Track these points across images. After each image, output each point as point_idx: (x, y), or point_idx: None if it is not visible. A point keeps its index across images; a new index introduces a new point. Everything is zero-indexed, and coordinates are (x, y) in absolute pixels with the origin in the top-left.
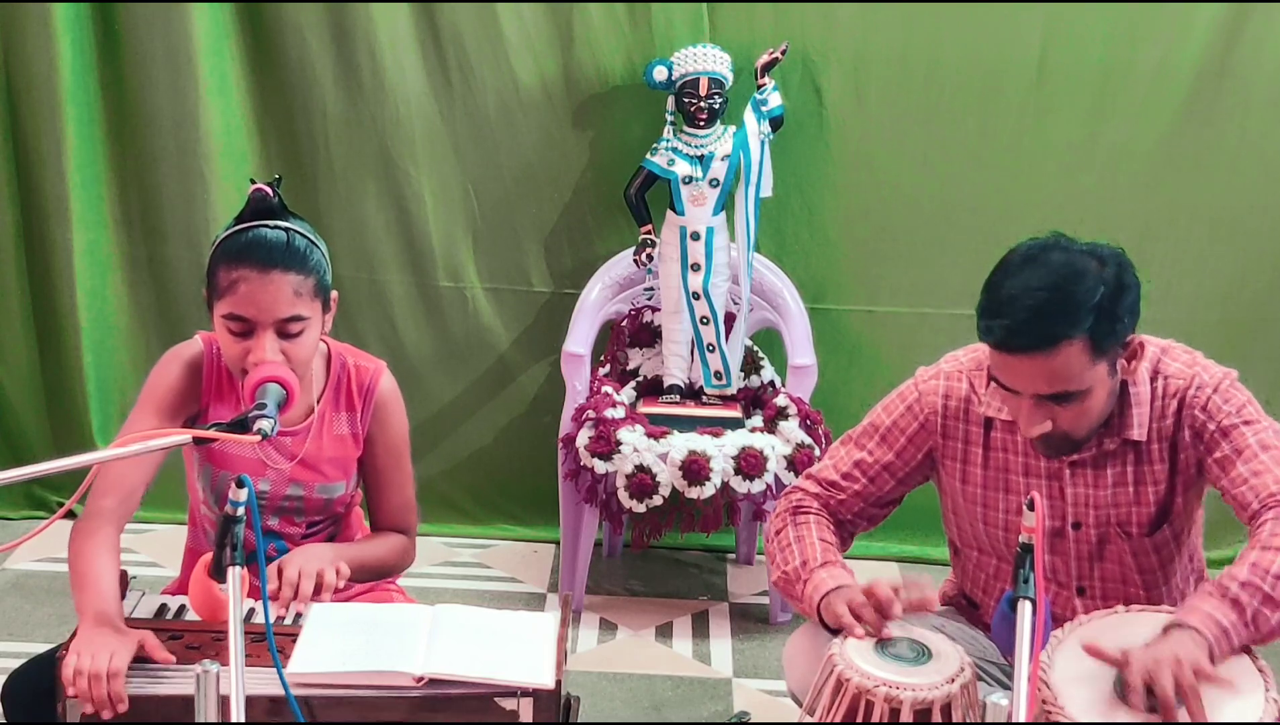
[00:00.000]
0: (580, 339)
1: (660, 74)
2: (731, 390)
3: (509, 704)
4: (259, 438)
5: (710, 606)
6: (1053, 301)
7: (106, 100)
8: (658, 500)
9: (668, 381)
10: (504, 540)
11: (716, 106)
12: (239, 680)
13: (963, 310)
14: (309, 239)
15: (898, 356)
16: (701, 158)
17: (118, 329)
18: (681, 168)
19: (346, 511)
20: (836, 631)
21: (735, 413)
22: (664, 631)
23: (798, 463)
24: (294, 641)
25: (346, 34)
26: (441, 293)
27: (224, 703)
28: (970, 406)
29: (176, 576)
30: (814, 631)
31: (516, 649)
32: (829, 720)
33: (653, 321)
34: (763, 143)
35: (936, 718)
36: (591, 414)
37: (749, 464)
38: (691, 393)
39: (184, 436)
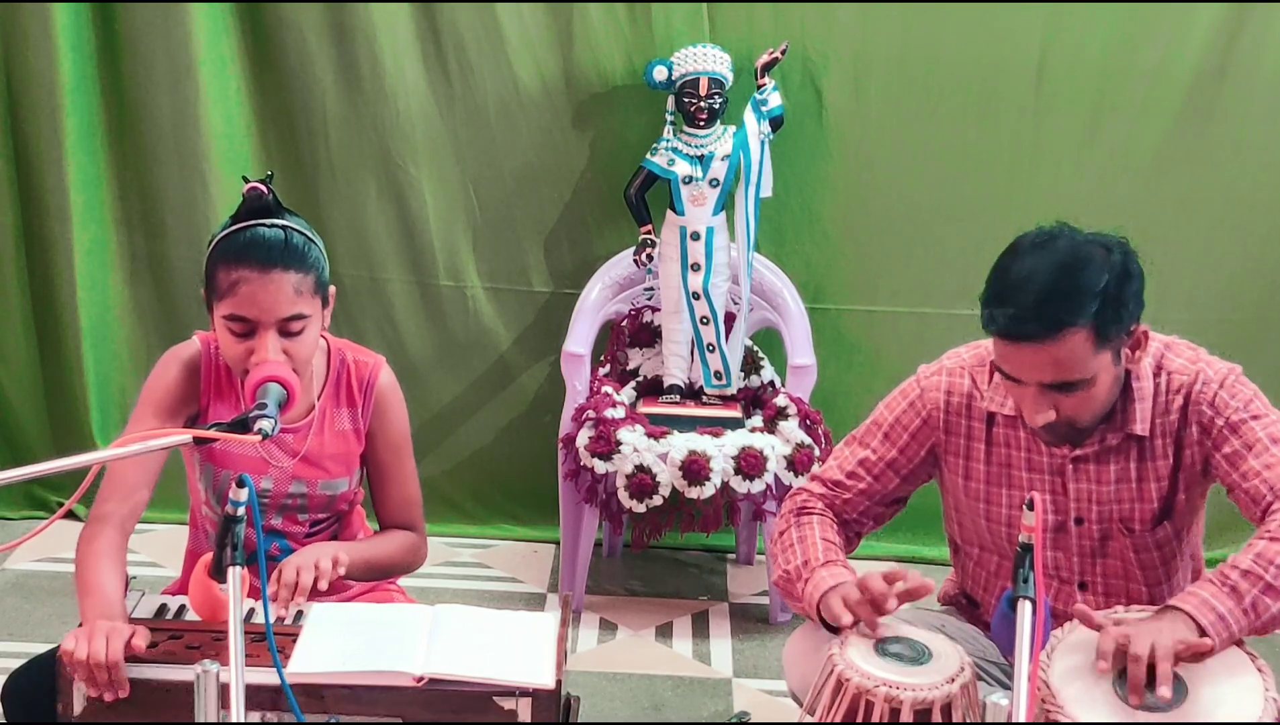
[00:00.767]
0: (580, 339)
1: (660, 74)
2: (731, 390)
3: (508, 704)
4: (260, 438)
5: (710, 606)
6: (1058, 289)
7: (106, 100)
8: (658, 500)
9: (668, 381)
10: (504, 540)
11: (716, 106)
12: (239, 680)
13: (962, 310)
14: (306, 236)
15: (897, 356)
16: (701, 158)
17: (118, 329)
18: (681, 168)
19: (349, 509)
20: (837, 631)
21: (735, 413)
22: (664, 631)
23: (798, 463)
24: (294, 641)
25: (346, 34)
26: (441, 292)
27: (223, 699)
28: (973, 402)
29: (177, 577)
30: (814, 631)
31: (516, 649)
32: (829, 720)
33: (653, 321)
34: (763, 143)
35: (936, 718)
36: (591, 414)
37: (749, 464)
38: (691, 393)
39: (184, 436)
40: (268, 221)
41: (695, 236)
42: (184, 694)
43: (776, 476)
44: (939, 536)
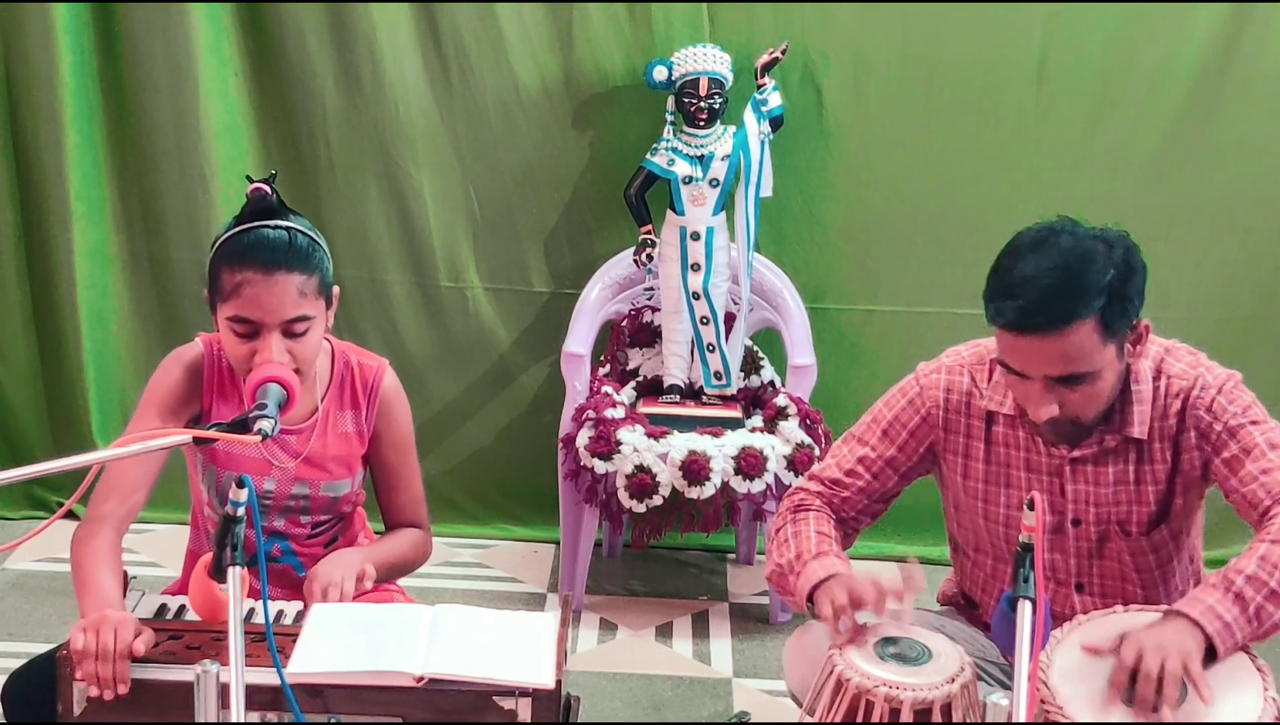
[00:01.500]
0: (580, 339)
1: (660, 74)
2: (731, 390)
3: (508, 704)
4: (259, 438)
5: (710, 606)
6: (1065, 281)
7: (106, 100)
8: (658, 500)
9: (668, 381)
10: (504, 540)
11: (716, 106)
12: (239, 680)
13: (962, 310)
14: (310, 237)
15: (897, 356)
16: (701, 158)
17: (118, 329)
18: (681, 168)
19: (351, 511)
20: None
21: (735, 413)
22: (664, 631)
23: (798, 463)
24: (294, 641)
25: (346, 34)
26: (442, 293)
27: (223, 699)
28: (972, 400)
29: (177, 577)
30: (814, 631)
31: (516, 649)
32: (829, 720)
33: (653, 321)
34: (763, 143)
35: (936, 718)
36: (591, 414)
37: (749, 464)
38: (691, 393)
39: (184, 436)
40: (272, 223)
41: (695, 236)
42: (184, 695)
43: (776, 476)
44: (939, 536)
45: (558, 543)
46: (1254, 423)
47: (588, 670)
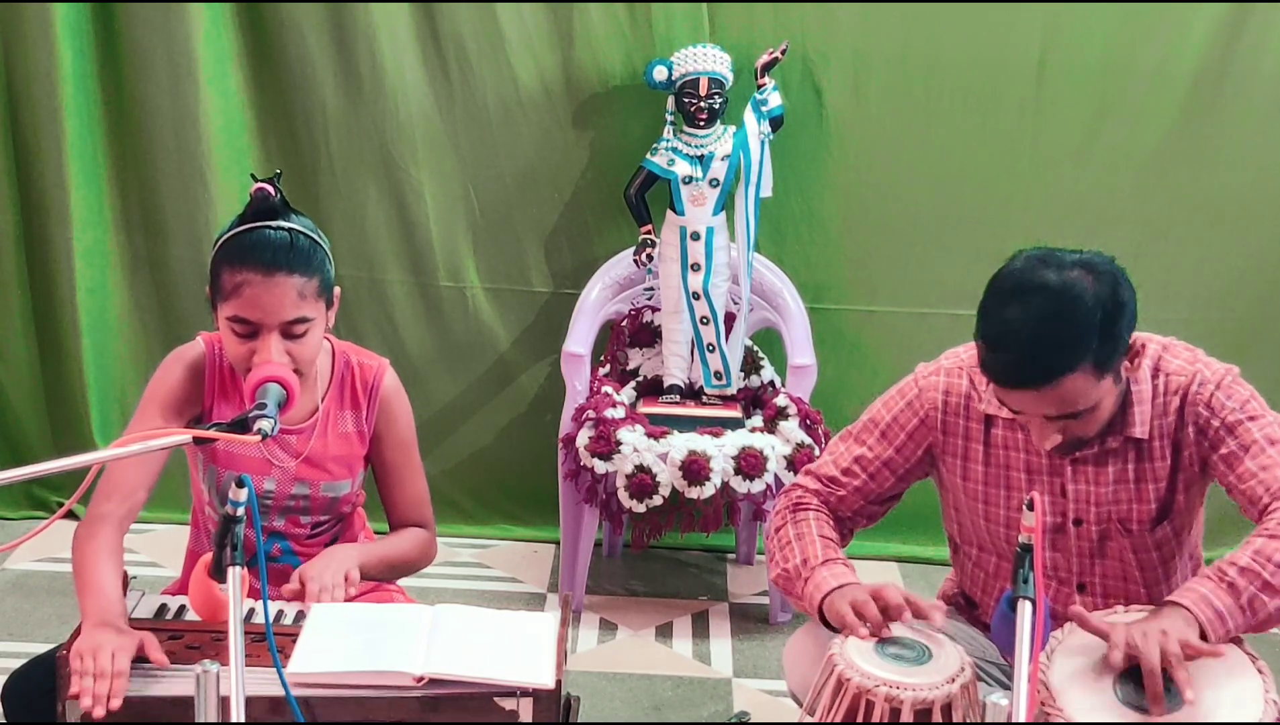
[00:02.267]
0: (580, 339)
1: (660, 74)
2: (731, 390)
3: (509, 704)
4: (259, 438)
5: (710, 606)
6: (1051, 334)
7: (106, 100)
8: (658, 500)
9: (668, 381)
10: (504, 540)
11: (716, 106)
12: (239, 680)
13: (962, 310)
14: (312, 238)
15: (897, 356)
16: (701, 158)
17: (118, 329)
18: (681, 168)
19: (351, 511)
20: (837, 630)
21: (735, 413)
22: (664, 631)
23: (798, 463)
24: (294, 641)
25: (346, 34)
26: (441, 293)
27: (224, 703)
28: (971, 403)
29: (177, 577)
30: (814, 631)
31: (516, 649)
32: (829, 720)
33: (653, 321)
34: (763, 143)
35: (937, 718)
36: (591, 414)
37: (749, 464)
38: (691, 393)
39: (184, 436)
40: (274, 223)
41: (695, 236)
42: (182, 710)
43: (776, 476)
44: (939, 536)
45: (558, 543)
46: (1252, 418)
47: (588, 670)
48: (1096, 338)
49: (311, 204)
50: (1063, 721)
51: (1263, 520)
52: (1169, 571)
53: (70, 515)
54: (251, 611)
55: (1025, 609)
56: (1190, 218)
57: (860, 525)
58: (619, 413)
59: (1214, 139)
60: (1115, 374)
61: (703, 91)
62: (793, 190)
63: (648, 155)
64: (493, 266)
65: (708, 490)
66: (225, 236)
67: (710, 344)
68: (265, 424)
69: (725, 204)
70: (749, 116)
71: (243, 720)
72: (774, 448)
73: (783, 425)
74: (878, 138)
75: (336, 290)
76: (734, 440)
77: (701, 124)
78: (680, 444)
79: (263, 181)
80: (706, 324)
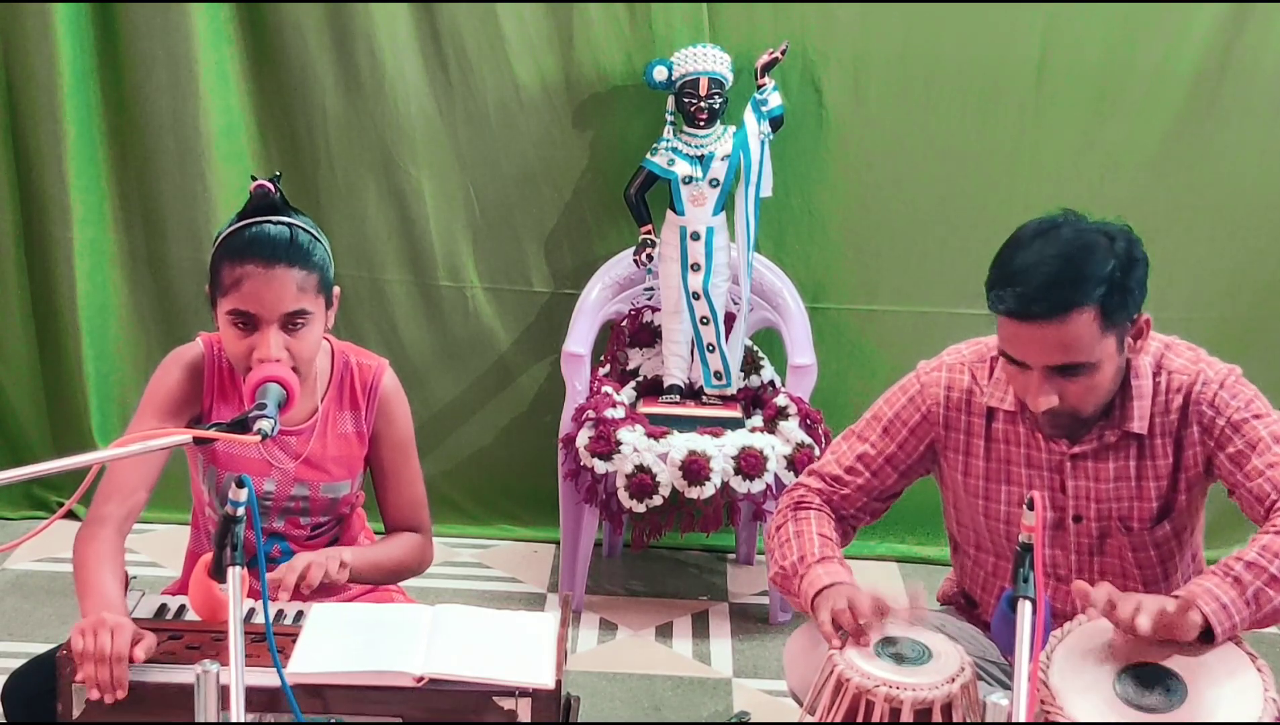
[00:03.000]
0: (580, 339)
1: (660, 74)
2: (731, 390)
3: (508, 704)
4: (259, 438)
5: (710, 606)
6: (1066, 270)
7: (106, 100)
8: (658, 500)
9: (668, 381)
10: (504, 540)
11: (716, 106)
12: (239, 680)
13: (962, 309)
14: (312, 234)
15: (897, 355)
16: (701, 158)
17: (118, 328)
18: (681, 168)
19: (350, 512)
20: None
21: (735, 413)
22: (664, 631)
23: (798, 463)
24: (294, 641)
25: (346, 34)
26: (441, 293)
27: (223, 691)
28: (972, 398)
29: (177, 577)
30: (814, 631)
31: (516, 649)
32: (829, 720)
33: (653, 321)
34: (763, 143)
35: (937, 718)
36: (591, 414)
37: (749, 464)
38: (691, 393)
39: (184, 436)
40: (274, 219)
41: (695, 236)
42: (183, 697)
43: (776, 476)
44: (939, 536)
45: (558, 543)
46: (1257, 417)
47: (588, 670)
48: (1107, 285)
49: (311, 204)
50: (1063, 721)
51: (1269, 517)
52: (1168, 571)
53: (70, 515)
54: (251, 611)
55: (1025, 609)
56: (1190, 217)
57: (863, 522)
58: (619, 413)
59: (1214, 138)
60: (1119, 338)
61: (703, 91)
62: (793, 190)
63: (648, 155)
64: (493, 266)
65: (708, 490)
66: (225, 232)
67: (710, 344)
68: (265, 424)
69: (725, 204)
70: (749, 116)
71: (243, 720)
72: (774, 448)
73: (783, 425)
74: (878, 138)
75: (336, 290)
76: (734, 440)
77: (701, 124)
78: (680, 444)
79: (263, 180)
80: (706, 324)
